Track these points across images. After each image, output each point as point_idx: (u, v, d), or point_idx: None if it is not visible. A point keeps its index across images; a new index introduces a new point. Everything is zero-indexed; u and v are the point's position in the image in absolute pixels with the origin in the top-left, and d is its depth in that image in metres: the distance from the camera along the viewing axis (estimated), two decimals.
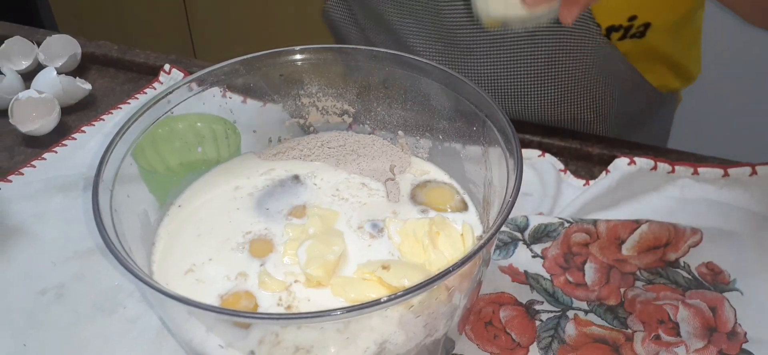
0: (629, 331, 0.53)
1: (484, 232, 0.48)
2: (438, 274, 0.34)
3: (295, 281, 0.44)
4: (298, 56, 0.53)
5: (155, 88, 0.84)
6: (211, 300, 0.43)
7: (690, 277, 0.57)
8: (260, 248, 0.49)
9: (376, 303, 0.33)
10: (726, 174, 0.66)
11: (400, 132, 0.56)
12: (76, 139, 0.75)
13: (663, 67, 0.83)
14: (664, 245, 0.60)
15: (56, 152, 0.72)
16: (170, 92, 0.49)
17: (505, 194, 0.40)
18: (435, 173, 0.54)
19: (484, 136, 0.47)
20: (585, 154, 0.71)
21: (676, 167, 0.67)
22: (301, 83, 0.54)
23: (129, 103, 0.81)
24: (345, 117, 0.57)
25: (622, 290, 0.56)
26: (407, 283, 0.42)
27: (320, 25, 1.76)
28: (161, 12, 1.89)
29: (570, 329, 0.53)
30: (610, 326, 0.53)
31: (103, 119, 0.78)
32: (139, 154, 0.62)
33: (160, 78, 0.85)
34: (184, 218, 0.52)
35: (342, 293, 0.43)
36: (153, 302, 0.44)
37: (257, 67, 0.53)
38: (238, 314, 0.37)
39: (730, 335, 0.52)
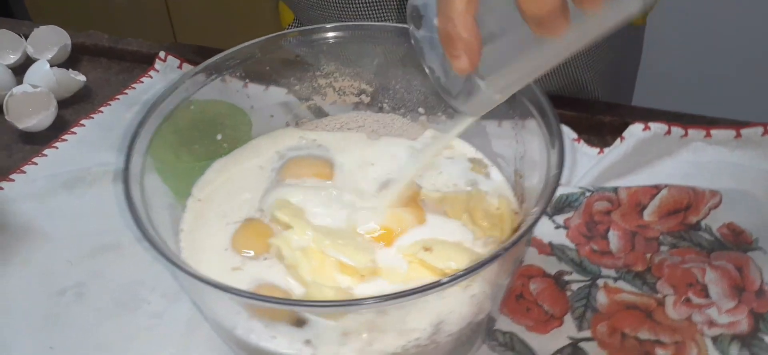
0: (660, 295, 0.53)
1: (519, 205, 0.48)
2: (496, 252, 0.34)
3: (349, 288, 0.43)
4: (314, 36, 0.51)
5: (152, 77, 0.82)
6: (250, 287, 0.42)
7: (712, 239, 0.58)
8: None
9: (436, 284, 0.32)
10: (738, 135, 0.67)
11: (420, 109, 0.55)
12: (75, 133, 0.72)
13: None
14: (685, 209, 0.60)
15: (57, 148, 0.70)
16: (186, 80, 0.47)
17: (548, 167, 0.39)
18: (461, 148, 0.53)
19: (513, 109, 0.47)
20: (597, 122, 0.70)
21: (689, 131, 0.67)
22: (318, 64, 0.53)
23: (126, 93, 0.79)
24: (362, 97, 0.56)
25: (647, 255, 0.56)
26: (453, 265, 0.41)
27: None
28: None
29: (601, 298, 0.53)
30: (640, 291, 0.54)
31: (102, 111, 0.76)
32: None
33: (156, 65, 0.83)
34: (204, 207, 0.51)
35: (394, 278, 0.42)
36: (194, 295, 0.42)
37: (272, 50, 0.51)
38: (303, 303, 0.36)
39: (758, 293, 0.53)
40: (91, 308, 0.53)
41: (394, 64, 0.53)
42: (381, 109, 0.56)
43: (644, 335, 0.50)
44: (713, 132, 0.67)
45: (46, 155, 0.69)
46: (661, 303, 0.53)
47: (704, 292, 0.53)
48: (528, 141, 0.46)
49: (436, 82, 0.40)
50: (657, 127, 0.67)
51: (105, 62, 0.86)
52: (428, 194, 0.48)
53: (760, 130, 0.67)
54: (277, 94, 0.54)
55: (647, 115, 0.68)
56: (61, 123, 0.74)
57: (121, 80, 0.82)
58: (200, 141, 0.51)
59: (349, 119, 0.56)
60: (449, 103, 0.41)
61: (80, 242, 0.59)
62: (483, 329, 0.43)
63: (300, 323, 0.37)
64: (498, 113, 0.49)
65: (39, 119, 0.71)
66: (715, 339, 0.50)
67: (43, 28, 0.84)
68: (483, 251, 0.44)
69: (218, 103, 0.54)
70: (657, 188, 0.61)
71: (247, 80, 0.52)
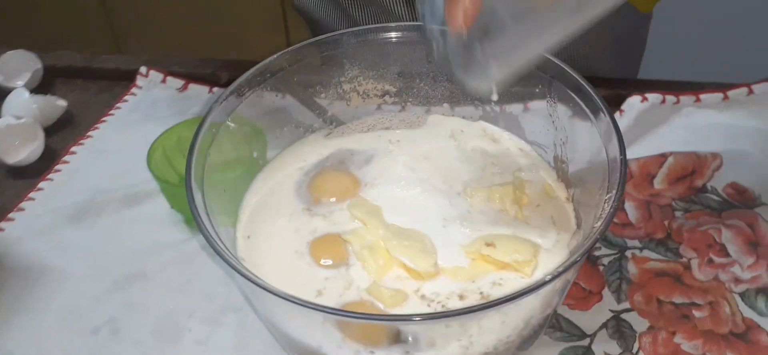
0: (685, 259, 0.56)
1: (566, 190, 0.49)
2: (584, 249, 0.35)
3: (415, 290, 0.43)
4: (339, 41, 0.51)
5: (135, 94, 0.79)
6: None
7: (720, 199, 0.61)
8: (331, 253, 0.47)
9: (538, 285, 0.33)
10: (726, 98, 0.70)
11: (446, 104, 0.56)
12: (68, 162, 0.69)
13: None
14: (691, 174, 0.63)
15: (52, 180, 0.67)
16: (220, 102, 0.46)
17: (607, 155, 0.40)
18: (496, 135, 0.54)
19: (551, 96, 0.48)
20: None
21: (681, 98, 0.70)
22: (342, 69, 0.53)
23: (112, 114, 0.76)
24: (386, 98, 0.56)
25: (665, 222, 0.59)
26: (519, 257, 0.42)
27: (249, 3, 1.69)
28: (78, 11, 1.76)
29: (632, 268, 0.55)
30: (665, 258, 0.56)
31: (91, 136, 0.73)
32: (153, 168, 0.59)
33: (138, 82, 0.80)
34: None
35: (460, 276, 0.43)
36: (272, 314, 0.41)
37: (299, 59, 0.50)
38: (404, 318, 0.36)
39: None
40: (130, 342, 0.52)
41: (418, 62, 0.53)
42: (404, 109, 0.56)
43: (678, 299, 0.53)
44: (702, 96, 0.71)
45: (42, 189, 0.66)
46: (687, 267, 0.55)
47: (724, 251, 0.56)
48: (569, 127, 0.47)
49: (437, 54, 0.40)
50: (653, 97, 0.69)
51: (81, 83, 0.82)
52: (475, 189, 0.49)
53: (745, 90, 0.71)
54: (308, 102, 0.54)
55: (640, 86, 0.71)
56: (49, 153, 0.71)
57: (102, 100, 0.79)
58: (241, 160, 0.50)
59: (374, 122, 0.56)
60: (450, 75, 0.41)
61: (101, 275, 0.57)
62: (548, 320, 0.45)
63: (397, 338, 0.37)
64: (533, 101, 0.50)
65: (28, 152, 0.67)
66: (742, 295, 0.53)
67: (10, 53, 0.80)
68: (540, 240, 0.45)
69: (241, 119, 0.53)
70: (664, 157, 0.64)
71: (280, 93, 0.51)
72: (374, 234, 0.45)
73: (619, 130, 0.41)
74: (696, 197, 0.61)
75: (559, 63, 0.46)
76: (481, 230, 0.46)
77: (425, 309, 0.41)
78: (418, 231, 0.45)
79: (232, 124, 0.48)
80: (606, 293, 0.54)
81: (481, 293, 0.42)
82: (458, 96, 0.55)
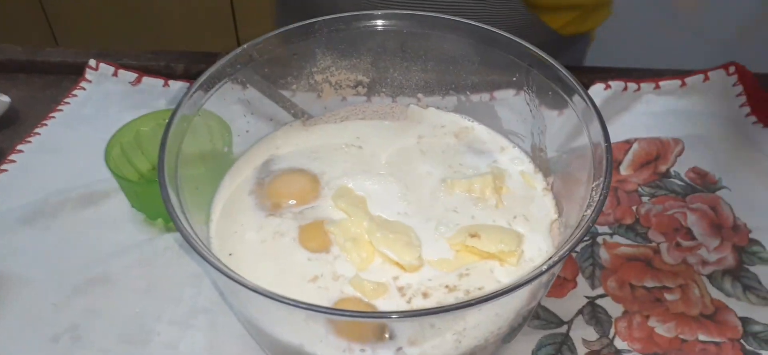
0: (654, 244, 0.57)
1: (544, 179, 0.49)
2: (572, 243, 0.35)
3: (395, 277, 0.42)
4: (313, 30, 0.49)
5: (85, 89, 0.75)
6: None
7: (684, 184, 0.62)
8: (315, 241, 0.46)
9: (537, 275, 0.33)
10: (683, 84, 0.72)
11: (419, 95, 0.55)
12: (15, 161, 0.65)
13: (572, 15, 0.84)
14: (655, 159, 0.64)
15: None
16: (191, 95, 0.44)
17: (591, 141, 0.40)
18: (471, 127, 0.54)
19: (528, 84, 0.47)
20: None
21: (641, 85, 0.72)
22: (314, 60, 0.51)
23: (61, 109, 0.72)
24: (359, 88, 0.55)
25: (633, 208, 0.60)
26: (504, 247, 0.42)
27: None
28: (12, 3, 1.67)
29: (604, 254, 0.56)
30: (635, 243, 0.57)
31: (39, 133, 0.69)
32: (111, 165, 0.56)
33: (87, 75, 0.76)
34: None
35: (445, 267, 0.42)
36: (253, 312, 0.40)
37: (270, 50, 0.49)
38: (419, 313, 0.35)
39: (733, 228, 0.58)
40: (94, 349, 0.49)
41: (392, 52, 0.52)
42: (379, 99, 0.55)
43: (650, 283, 0.54)
44: (662, 83, 0.72)
45: None
46: (656, 251, 0.56)
47: (689, 234, 0.58)
48: (548, 115, 0.47)
49: None
50: (616, 85, 0.70)
51: (24, 78, 0.77)
52: (455, 180, 0.48)
53: (701, 77, 0.72)
54: (274, 95, 0.52)
55: (600, 74, 0.72)
56: None
57: (48, 96, 0.74)
58: (211, 155, 0.48)
59: (348, 113, 0.54)
60: None
61: (60, 280, 0.53)
62: (533, 311, 0.44)
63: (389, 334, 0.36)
64: (508, 89, 0.49)
65: None
66: (710, 277, 0.54)
67: None
68: (522, 229, 0.45)
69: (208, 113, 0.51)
70: (629, 143, 0.65)
71: (247, 84, 0.49)
72: (358, 226, 0.43)
73: (602, 117, 0.41)
74: (661, 182, 0.63)
75: (536, 51, 0.46)
76: (464, 221, 0.45)
77: (406, 304, 0.40)
78: (403, 223, 0.45)
79: (201, 120, 0.46)
80: (580, 279, 0.54)
81: (467, 290, 0.41)
82: (433, 86, 0.54)
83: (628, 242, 0.57)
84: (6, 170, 0.64)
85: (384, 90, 0.55)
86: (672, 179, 0.63)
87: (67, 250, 0.56)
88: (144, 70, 0.76)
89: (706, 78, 0.72)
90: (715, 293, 0.53)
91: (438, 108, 0.55)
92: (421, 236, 0.44)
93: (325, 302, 0.40)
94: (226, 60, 0.46)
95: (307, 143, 0.53)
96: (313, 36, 0.50)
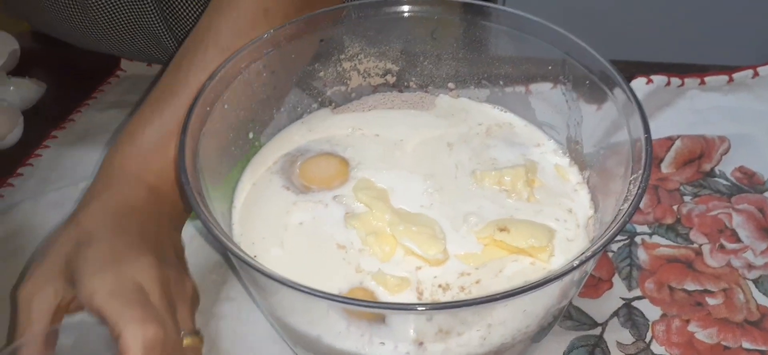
0: (696, 245, 0.54)
1: (580, 173, 0.47)
2: (606, 239, 0.33)
3: (418, 268, 0.41)
4: (341, 16, 0.48)
5: (118, 76, 0.75)
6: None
7: (729, 183, 0.59)
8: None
9: (568, 271, 0.31)
10: (731, 80, 0.69)
11: (450, 85, 0.53)
12: (49, 147, 0.66)
13: None
14: (699, 157, 0.61)
15: (32, 165, 0.64)
16: (212, 81, 0.43)
17: (630, 134, 0.38)
18: (504, 117, 0.52)
19: (564, 74, 0.45)
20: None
21: (686, 80, 0.69)
22: (343, 46, 0.50)
23: (95, 97, 0.72)
24: (388, 77, 0.53)
25: (674, 207, 0.57)
26: (534, 242, 0.40)
27: None
28: None
29: (642, 255, 0.54)
30: (675, 244, 0.54)
31: (73, 119, 0.69)
32: None
33: (122, 65, 0.76)
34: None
35: (473, 261, 0.41)
36: (274, 302, 0.39)
37: (297, 35, 0.47)
38: (444, 305, 0.34)
39: None
40: None
41: (421, 40, 0.51)
42: (408, 88, 0.53)
43: (691, 286, 0.51)
44: (707, 79, 0.69)
45: (21, 174, 0.62)
46: (699, 253, 0.54)
47: (735, 236, 0.55)
48: (585, 107, 0.45)
49: None
50: (658, 79, 0.68)
51: (58, 67, 0.78)
52: (485, 172, 0.46)
53: (750, 72, 0.69)
54: (302, 82, 0.51)
55: (645, 69, 0.69)
56: (28, 137, 0.67)
57: (84, 84, 0.75)
58: (235, 142, 0.47)
59: (375, 102, 0.53)
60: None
61: None
62: (563, 310, 0.42)
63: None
64: (544, 81, 0.48)
65: (7, 137, 0.64)
66: (756, 282, 0.51)
67: None
68: (554, 225, 0.43)
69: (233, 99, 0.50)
70: (671, 140, 0.62)
71: (274, 71, 0.48)
72: (380, 219, 0.42)
73: (642, 107, 0.39)
74: (704, 181, 0.60)
75: (574, 39, 0.44)
76: (493, 215, 0.43)
77: (433, 297, 0.39)
78: (426, 216, 0.43)
79: (226, 106, 0.45)
80: (616, 280, 0.52)
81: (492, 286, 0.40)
82: (464, 76, 0.52)
83: (668, 242, 0.55)
84: (40, 156, 0.65)
85: (414, 79, 0.53)
86: (717, 178, 0.60)
87: None
88: None
89: (756, 74, 0.69)
90: (762, 299, 0.50)
91: (469, 98, 0.54)
92: (448, 229, 0.43)
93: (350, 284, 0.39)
94: (253, 45, 0.45)
95: (333, 132, 0.51)
96: (342, 22, 0.49)
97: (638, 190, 0.34)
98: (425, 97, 0.53)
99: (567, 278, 0.32)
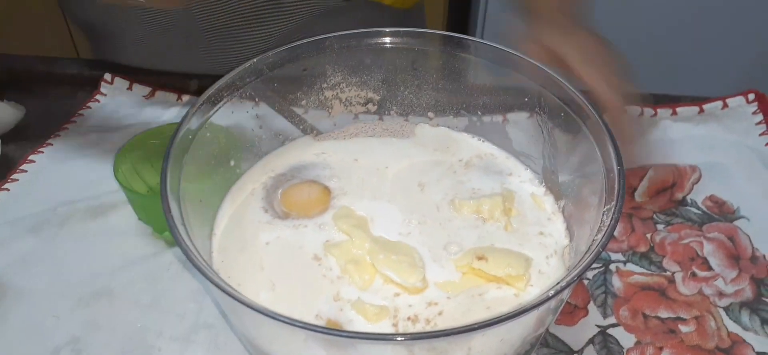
0: (669, 273, 0.55)
1: (557, 204, 0.48)
2: (581, 269, 0.34)
3: (396, 295, 0.41)
4: (324, 46, 0.49)
5: (99, 101, 0.75)
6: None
7: (700, 212, 0.61)
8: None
9: (544, 300, 0.32)
10: (701, 111, 0.71)
11: (430, 114, 0.54)
12: (26, 171, 0.65)
13: None
14: (671, 186, 0.63)
15: (8, 190, 0.63)
16: (196, 109, 0.44)
17: (604, 165, 0.39)
18: (482, 147, 0.53)
19: (540, 106, 0.47)
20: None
21: (658, 110, 0.70)
22: (325, 75, 0.51)
23: (74, 121, 0.72)
24: (369, 106, 0.54)
25: (647, 235, 0.58)
26: (511, 271, 0.41)
27: None
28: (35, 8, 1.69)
29: (617, 282, 0.55)
30: (649, 271, 0.55)
31: (52, 143, 0.69)
32: (120, 177, 0.56)
33: (102, 89, 0.76)
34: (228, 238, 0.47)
35: (451, 289, 0.41)
36: (251, 330, 0.39)
37: (280, 64, 0.48)
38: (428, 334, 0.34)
39: (752, 259, 0.56)
40: None
41: (403, 70, 0.51)
42: (388, 116, 0.54)
43: (664, 313, 0.52)
44: (679, 109, 0.71)
45: None
46: (671, 281, 0.55)
47: (706, 264, 0.56)
48: (560, 138, 0.46)
49: None
50: (631, 109, 0.69)
51: (40, 88, 0.78)
52: (463, 201, 0.47)
53: (720, 104, 0.71)
54: (284, 110, 0.51)
55: None
56: (6, 161, 0.67)
57: (63, 107, 0.75)
58: (217, 169, 0.47)
59: (357, 130, 0.54)
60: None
61: (64, 291, 0.53)
62: (540, 338, 0.43)
63: None
64: (520, 111, 0.49)
65: None
66: (727, 309, 0.53)
67: None
68: (530, 253, 0.44)
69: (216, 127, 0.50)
70: (644, 169, 0.64)
71: (257, 99, 0.48)
72: (360, 247, 0.43)
73: (615, 140, 0.40)
74: (677, 210, 0.61)
75: (549, 71, 0.45)
76: (471, 243, 0.44)
77: (411, 327, 0.39)
78: (406, 244, 0.44)
79: (208, 133, 0.46)
80: (591, 307, 0.53)
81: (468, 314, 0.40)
82: (444, 105, 0.53)
83: (642, 270, 0.56)
84: (17, 180, 0.64)
85: (394, 108, 0.54)
86: (689, 207, 0.61)
87: (72, 261, 0.56)
88: (159, 85, 0.76)
89: (725, 105, 0.71)
90: (733, 327, 0.51)
91: (448, 127, 0.55)
92: (426, 257, 0.43)
93: (330, 311, 0.39)
94: (236, 74, 0.46)
95: (314, 159, 0.52)
96: (324, 52, 0.49)
97: (611, 221, 0.35)
98: (405, 126, 0.54)
99: (543, 307, 0.33)
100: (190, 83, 0.78)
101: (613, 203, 0.36)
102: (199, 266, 0.33)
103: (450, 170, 0.50)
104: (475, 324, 0.31)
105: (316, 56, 0.49)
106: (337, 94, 0.52)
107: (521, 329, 0.36)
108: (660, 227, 0.59)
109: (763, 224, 0.59)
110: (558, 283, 0.33)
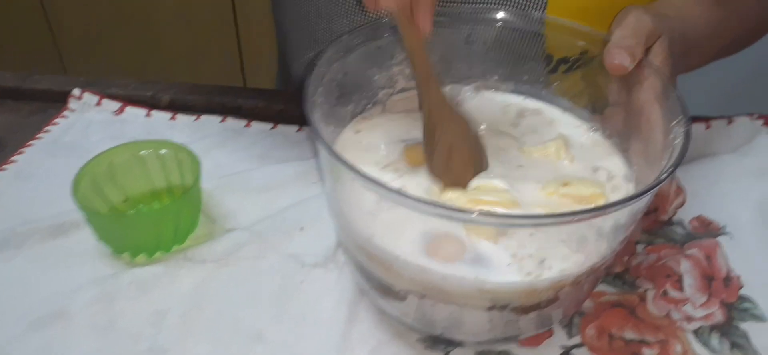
0: (641, 290, 0.54)
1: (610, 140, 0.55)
2: (659, 179, 0.40)
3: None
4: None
5: (67, 117, 0.74)
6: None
7: (684, 232, 0.59)
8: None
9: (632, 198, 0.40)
10: (709, 126, 0.69)
11: (478, 81, 0.61)
12: None
13: None
14: (653, 211, 0.61)
15: None
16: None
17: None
18: (530, 104, 0.60)
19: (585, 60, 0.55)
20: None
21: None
22: (393, 54, 0.56)
23: (41, 138, 0.71)
24: None
25: (625, 258, 0.57)
26: (597, 189, 0.48)
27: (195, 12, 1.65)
28: (19, 25, 1.70)
29: (587, 303, 0.53)
30: (621, 291, 0.54)
31: (15, 161, 0.68)
32: (79, 197, 0.55)
33: (70, 105, 0.75)
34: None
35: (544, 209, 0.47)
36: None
37: (362, 42, 0.54)
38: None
39: (725, 281, 0.55)
40: None
41: (458, 44, 0.58)
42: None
43: (630, 335, 0.51)
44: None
45: None
46: (643, 299, 0.54)
47: (679, 283, 0.55)
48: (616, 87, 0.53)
49: None
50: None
51: (11, 104, 0.77)
52: (529, 147, 0.54)
53: (702, 126, 0.70)
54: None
55: None
56: None
57: (34, 123, 0.74)
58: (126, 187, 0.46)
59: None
60: None
61: (17, 315, 0.52)
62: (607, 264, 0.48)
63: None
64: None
65: None
66: (696, 332, 0.51)
67: None
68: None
69: (148, 143, 0.56)
70: None
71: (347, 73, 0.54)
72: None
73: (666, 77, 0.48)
74: (661, 230, 0.60)
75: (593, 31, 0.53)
76: (549, 177, 0.50)
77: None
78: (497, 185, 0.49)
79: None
80: (557, 327, 0.52)
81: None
82: (491, 72, 0.60)
83: (615, 290, 0.54)
84: None
85: (447, 78, 0.59)
86: (673, 227, 0.60)
87: (27, 282, 0.55)
88: (129, 100, 0.75)
89: (709, 126, 0.70)
90: (700, 350, 0.50)
91: (497, 90, 0.61)
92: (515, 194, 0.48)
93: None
94: (335, 49, 0.52)
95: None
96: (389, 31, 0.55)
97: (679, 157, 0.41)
98: (454, 93, 0.59)
99: (644, 199, 0.41)
100: (161, 98, 0.77)
101: (681, 116, 0.44)
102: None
103: (504, 129, 0.57)
104: (608, 205, 0.39)
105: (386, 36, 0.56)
106: (403, 69, 0.58)
107: (613, 225, 0.43)
108: (639, 247, 0.58)
109: (743, 243, 0.58)
110: (662, 172, 0.40)
